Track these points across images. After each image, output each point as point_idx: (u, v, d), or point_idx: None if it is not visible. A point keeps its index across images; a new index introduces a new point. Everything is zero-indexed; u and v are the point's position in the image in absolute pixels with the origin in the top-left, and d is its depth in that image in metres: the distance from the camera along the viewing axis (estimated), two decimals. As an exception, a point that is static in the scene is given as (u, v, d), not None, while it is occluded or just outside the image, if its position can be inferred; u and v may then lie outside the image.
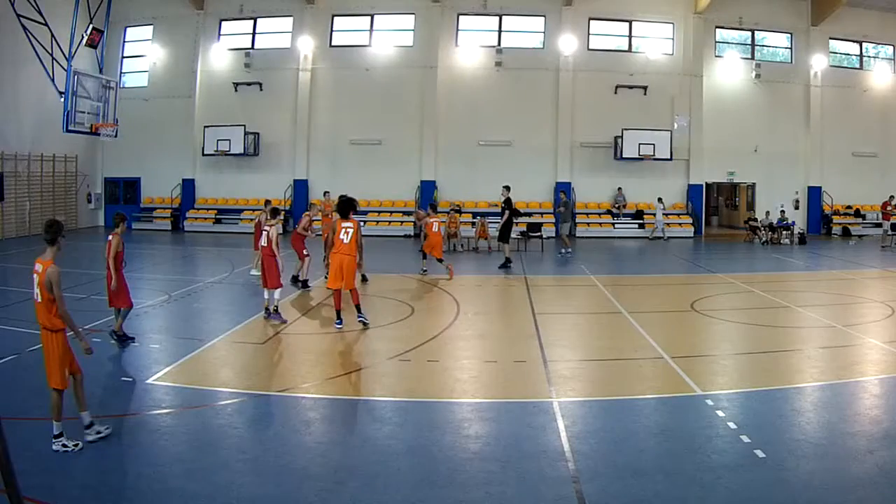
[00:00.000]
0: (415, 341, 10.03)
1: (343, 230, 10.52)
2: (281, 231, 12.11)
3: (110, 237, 9.58)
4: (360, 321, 10.77)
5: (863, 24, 28.29)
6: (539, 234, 23.32)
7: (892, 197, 24.57)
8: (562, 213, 21.34)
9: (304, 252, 14.17)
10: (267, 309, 11.38)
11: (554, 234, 21.95)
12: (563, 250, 21.16)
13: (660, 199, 27.04)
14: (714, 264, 20.34)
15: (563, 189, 22.30)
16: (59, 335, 5.99)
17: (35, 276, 6.05)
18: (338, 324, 10.72)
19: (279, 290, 11.39)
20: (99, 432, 6.16)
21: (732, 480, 5.56)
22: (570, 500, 5.18)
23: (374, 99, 27.67)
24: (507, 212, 18.14)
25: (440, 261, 16.46)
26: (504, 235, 18.21)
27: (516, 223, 23.26)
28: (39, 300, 5.99)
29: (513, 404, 7.42)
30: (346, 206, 10.74)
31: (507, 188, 18.50)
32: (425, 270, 16.73)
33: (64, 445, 5.93)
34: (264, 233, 11.42)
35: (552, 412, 7.01)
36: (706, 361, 9.24)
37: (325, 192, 20.13)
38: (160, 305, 12.56)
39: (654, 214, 26.84)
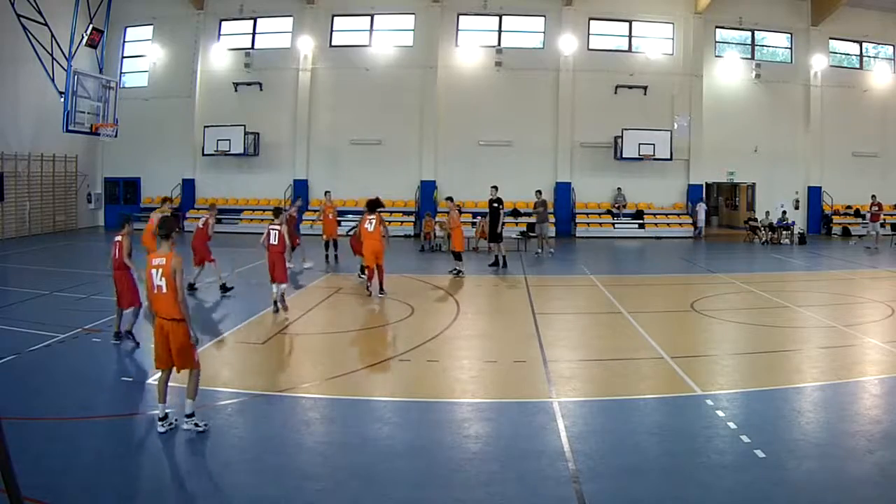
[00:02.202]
0: (415, 341, 10.03)
1: (368, 220, 13.29)
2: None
3: (119, 238, 9.50)
4: (366, 284, 13.66)
5: (863, 24, 28.28)
6: (540, 233, 23.28)
7: (874, 197, 24.44)
8: (539, 213, 21.19)
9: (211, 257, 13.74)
10: (275, 302, 11.89)
11: (535, 234, 21.70)
12: (538, 251, 21.00)
13: (702, 199, 27.76)
14: (714, 264, 20.34)
15: (538, 189, 22.03)
16: (183, 323, 6.35)
17: (156, 269, 6.31)
18: (369, 287, 13.58)
19: (285, 284, 12.20)
20: (197, 425, 6.40)
21: (732, 480, 5.56)
22: (570, 500, 5.18)
23: (374, 99, 27.65)
24: (500, 210, 18.07)
25: (460, 256, 16.69)
26: (497, 235, 18.12)
27: (515, 223, 23.34)
28: (166, 291, 6.29)
29: (513, 404, 7.42)
30: (374, 204, 13.52)
31: (496, 188, 18.46)
32: (461, 272, 16.51)
33: (196, 425, 6.37)
34: (274, 232, 11.98)
35: (552, 412, 7.01)
36: (706, 361, 9.24)
37: (326, 192, 20.10)
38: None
39: (697, 213, 27.59)
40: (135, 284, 9.43)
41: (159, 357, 6.45)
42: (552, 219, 26.68)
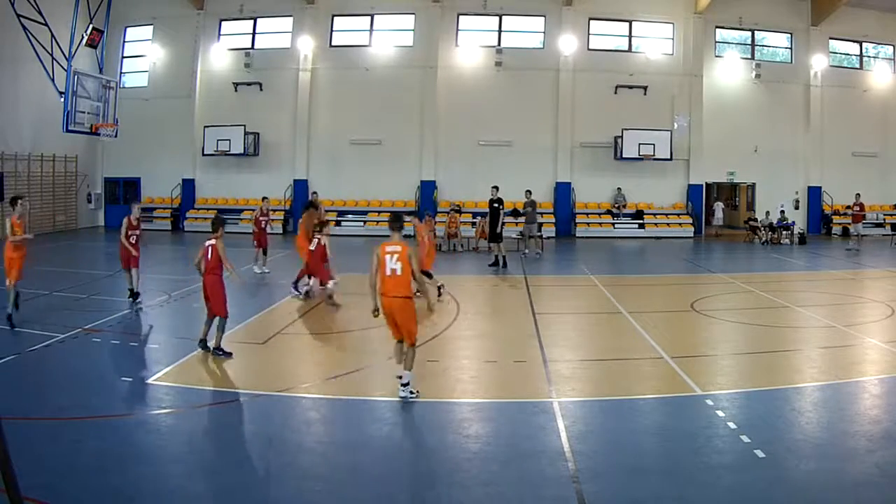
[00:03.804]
0: (415, 341, 10.02)
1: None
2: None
3: (213, 241, 9.03)
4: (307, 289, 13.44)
5: (863, 24, 28.28)
6: (539, 234, 23.28)
7: (857, 196, 24.28)
8: (528, 213, 21.07)
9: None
10: (330, 296, 12.61)
11: (535, 234, 21.57)
12: (526, 251, 20.92)
13: (717, 198, 28.94)
14: (714, 264, 20.33)
15: (528, 189, 21.90)
16: (412, 301, 7.44)
17: (390, 255, 7.33)
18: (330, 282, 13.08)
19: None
20: (412, 392, 7.31)
21: (732, 480, 5.56)
22: (570, 500, 5.18)
23: (374, 99, 27.64)
24: (501, 210, 18.04)
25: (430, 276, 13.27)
26: (497, 235, 18.07)
27: (516, 223, 23.33)
28: (400, 273, 7.33)
29: (513, 404, 7.41)
30: (310, 205, 14.49)
31: (496, 188, 18.42)
32: (441, 286, 13.63)
33: (411, 392, 7.31)
34: (316, 239, 12.85)
35: (552, 412, 7.00)
36: (706, 361, 9.24)
37: (313, 193, 20.10)
38: (160, 305, 12.56)
39: (715, 212, 28.68)
40: (225, 292, 9.08)
41: (392, 329, 7.53)
42: (551, 219, 26.79)
